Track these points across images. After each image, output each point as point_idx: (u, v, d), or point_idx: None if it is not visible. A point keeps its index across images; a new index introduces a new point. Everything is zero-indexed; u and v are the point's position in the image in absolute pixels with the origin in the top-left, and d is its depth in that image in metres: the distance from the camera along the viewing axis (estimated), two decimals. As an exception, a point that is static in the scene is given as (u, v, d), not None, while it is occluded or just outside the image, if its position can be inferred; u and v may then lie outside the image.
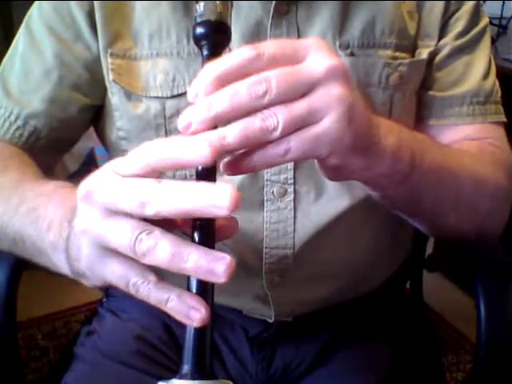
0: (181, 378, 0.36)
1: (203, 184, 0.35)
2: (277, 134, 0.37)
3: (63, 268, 0.46)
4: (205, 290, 0.37)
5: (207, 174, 0.38)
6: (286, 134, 0.37)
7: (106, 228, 0.37)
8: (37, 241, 0.50)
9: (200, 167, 0.38)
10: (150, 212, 0.35)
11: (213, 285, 0.37)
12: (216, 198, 0.33)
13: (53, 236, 0.47)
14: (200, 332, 0.36)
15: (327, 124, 0.38)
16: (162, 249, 0.35)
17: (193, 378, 0.36)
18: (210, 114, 0.36)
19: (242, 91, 0.36)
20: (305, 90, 0.38)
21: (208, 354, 0.36)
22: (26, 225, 0.52)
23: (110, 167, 0.37)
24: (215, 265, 0.34)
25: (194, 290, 0.37)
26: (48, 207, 0.49)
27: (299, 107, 0.37)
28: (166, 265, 0.35)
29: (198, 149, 0.34)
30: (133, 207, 0.35)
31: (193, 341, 0.36)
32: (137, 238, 0.35)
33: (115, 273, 0.38)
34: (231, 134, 0.36)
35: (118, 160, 0.38)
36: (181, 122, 0.37)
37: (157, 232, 0.35)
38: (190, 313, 0.35)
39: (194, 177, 0.38)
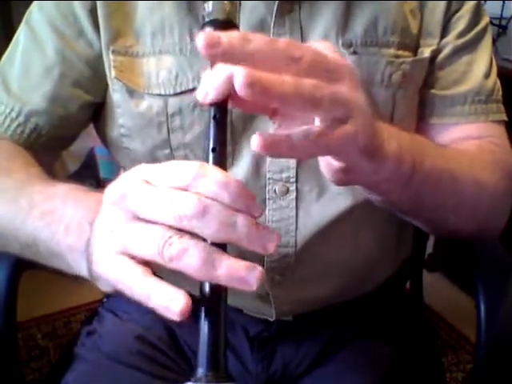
0: (196, 382, 0.35)
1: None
2: (321, 106, 0.36)
3: (81, 270, 0.45)
4: (218, 294, 0.37)
5: (219, 160, 0.38)
6: (321, 107, 0.37)
7: (132, 230, 0.37)
8: (51, 244, 0.49)
9: (211, 152, 0.38)
10: (186, 227, 0.35)
11: (226, 289, 0.37)
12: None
13: (71, 239, 0.47)
14: (214, 334, 0.36)
15: (354, 122, 0.38)
16: (193, 254, 0.35)
17: (207, 382, 0.35)
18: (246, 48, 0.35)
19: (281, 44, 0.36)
20: (331, 72, 0.38)
21: (222, 356, 0.36)
22: (39, 228, 0.51)
23: (140, 176, 0.38)
24: (247, 273, 0.35)
25: (207, 295, 0.36)
26: (64, 210, 0.49)
27: (339, 89, 0.37)
28: (195, 270, 0.35)
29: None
30: (170, 221, 0.35)
31: (207, 343, 0.36)
32: (167, 241, 0.35)
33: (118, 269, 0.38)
34: (287, 81, 0.35)
35: (147, 169, 0.38)
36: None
37: (188, 237, 0.35)
38: (170, 303, 0.35)
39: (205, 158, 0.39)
